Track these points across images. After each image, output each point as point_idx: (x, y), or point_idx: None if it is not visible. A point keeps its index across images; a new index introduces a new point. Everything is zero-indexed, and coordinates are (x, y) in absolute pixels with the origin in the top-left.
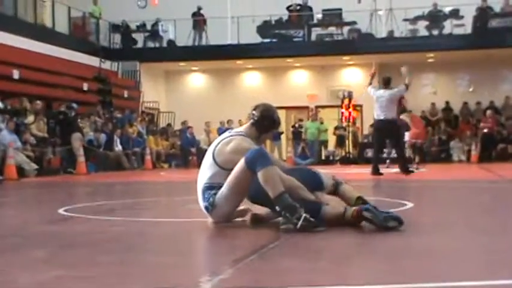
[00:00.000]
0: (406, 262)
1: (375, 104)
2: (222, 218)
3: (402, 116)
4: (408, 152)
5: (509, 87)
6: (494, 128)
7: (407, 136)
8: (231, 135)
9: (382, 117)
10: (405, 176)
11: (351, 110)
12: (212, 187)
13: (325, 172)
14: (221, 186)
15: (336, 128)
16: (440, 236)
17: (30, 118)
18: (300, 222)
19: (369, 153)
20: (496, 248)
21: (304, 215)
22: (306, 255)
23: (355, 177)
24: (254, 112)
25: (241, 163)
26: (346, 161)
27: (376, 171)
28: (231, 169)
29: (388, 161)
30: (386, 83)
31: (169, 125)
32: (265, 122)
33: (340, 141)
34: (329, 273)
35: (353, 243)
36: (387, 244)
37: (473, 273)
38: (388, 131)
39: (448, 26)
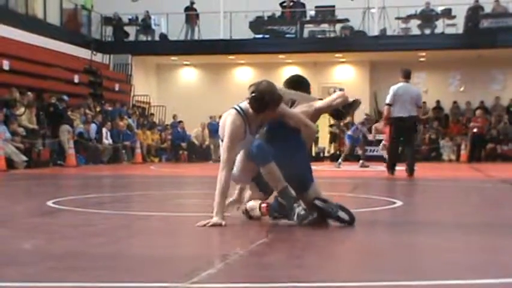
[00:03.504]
0: (393, 260)
1: (396, 101)
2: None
3: (377, 125)
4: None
5: (499, 87)
6: (484, 127)
7: (384, 140)
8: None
9: (406, 115)
10: (408, 177)
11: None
12: None
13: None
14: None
15: (331, 126)
16: (428, 235)
17: (21, 109)
18: (296, 220)
19: (359, 150)
20: (485, 246)
21: (297, 211)
22: (293, 252)
23: (345, 175)
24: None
25: (243, 155)
26: (336, 158)
27: (392, 171)
28: None
29: (361, 160)
30: (407, 76)
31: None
32: (265, 97)
33: (333, 139)
34: (316, 270)
35: (340, 240)
36: (375, 242)
37: (461, 272)
38: (408, 129)
39: (440, 26)
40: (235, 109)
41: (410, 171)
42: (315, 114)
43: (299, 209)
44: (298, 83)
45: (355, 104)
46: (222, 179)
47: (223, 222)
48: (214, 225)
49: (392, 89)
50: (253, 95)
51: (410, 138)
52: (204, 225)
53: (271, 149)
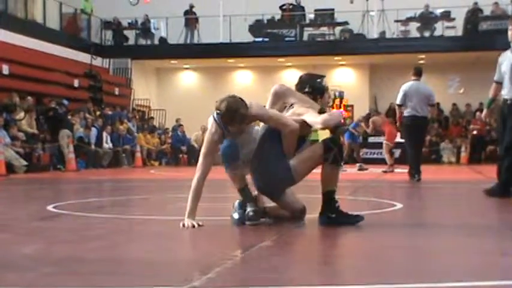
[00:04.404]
0: (394, 262)
1: (407, 100)
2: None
3: (375, 118)
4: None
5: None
6: (484, 129)
7: (384, 140)
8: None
9: (417, 114)
10: (410, 179)
11: (342, 110)
12: None
13: None
14: None
15: None
16: (429, 237)
17: (21, 114)
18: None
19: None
20: (485, 249)
21: (248, 210)
22: (294, 255)
23: (345, 177)
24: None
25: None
26: None
27: (417, 175)
28: None
29: (358, 164)
30: (418, 74)
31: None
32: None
33: None
34: (316, 273)
35: (341, 243)
36: (375, 244)
37: (462, 274)
38: (420, 129)
39: (440, 28)
40: (213, 117)
41: (415, 174)
42: (302, 126)
43: (250, 209)
44: (300, 83)
45: (338, 130)
46: (195, 181)
47: (195, 223)
48: (187, 226)
49: (403, 88)
50: (216, 111)
51: (419, 140)
52: (184, 225)
53: (237, 150)
